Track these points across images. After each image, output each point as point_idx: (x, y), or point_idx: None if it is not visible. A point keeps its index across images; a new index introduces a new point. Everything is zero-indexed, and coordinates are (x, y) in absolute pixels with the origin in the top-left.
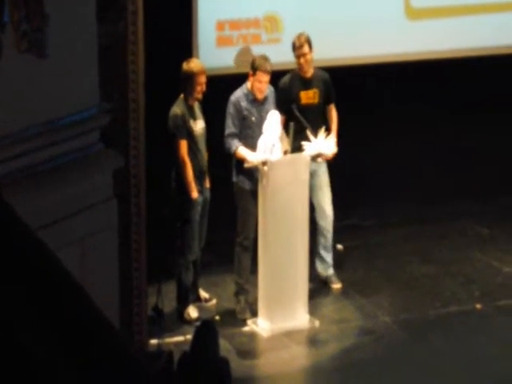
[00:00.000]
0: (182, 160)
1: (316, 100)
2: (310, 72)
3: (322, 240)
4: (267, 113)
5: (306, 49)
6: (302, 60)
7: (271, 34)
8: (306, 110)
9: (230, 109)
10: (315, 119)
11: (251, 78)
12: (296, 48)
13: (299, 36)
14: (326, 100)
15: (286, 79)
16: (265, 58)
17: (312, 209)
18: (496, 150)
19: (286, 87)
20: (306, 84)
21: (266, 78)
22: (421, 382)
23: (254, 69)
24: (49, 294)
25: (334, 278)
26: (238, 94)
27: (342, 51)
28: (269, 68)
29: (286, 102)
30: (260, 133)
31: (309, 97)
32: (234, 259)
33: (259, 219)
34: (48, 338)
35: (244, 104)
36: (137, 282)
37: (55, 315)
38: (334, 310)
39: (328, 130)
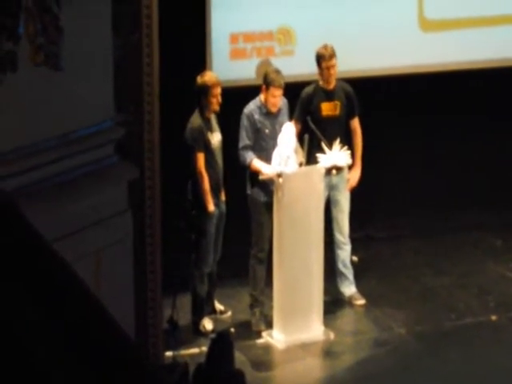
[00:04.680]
0: (199, 172)
1: (337, 112)
2: (333, 84)
3: (340, 253)
4: (281, 125)
5: (334, 60)
6: (331, 71)
7: (284, 46)
8: (326, 121)
9: (244, 121)
10: (335, 132)
11: (264, 92)
12: (325, 59)
13: (326, 47)
14: (348, 113)
15: (309, 89)
16: (277, 72)
17: (329, 220)
18: (509, 161)
19: (309, 97)
20: (328, 96)
21: (279, 92)
22: None
23: (267, 84)
24: (61, 302)
25: (357, 295)
26: (252, 107)
27: (355, 63)
28: (282, 82)
29: (305, 113)
30: (274, 145)
31: (330, 108)
32: (249, 271)
33: (274, 231)
34: (62, 348)
35: (257, 116)
36: (152, 294)
37: (67, 323)
38: (348, 321)
39: (347, 144)
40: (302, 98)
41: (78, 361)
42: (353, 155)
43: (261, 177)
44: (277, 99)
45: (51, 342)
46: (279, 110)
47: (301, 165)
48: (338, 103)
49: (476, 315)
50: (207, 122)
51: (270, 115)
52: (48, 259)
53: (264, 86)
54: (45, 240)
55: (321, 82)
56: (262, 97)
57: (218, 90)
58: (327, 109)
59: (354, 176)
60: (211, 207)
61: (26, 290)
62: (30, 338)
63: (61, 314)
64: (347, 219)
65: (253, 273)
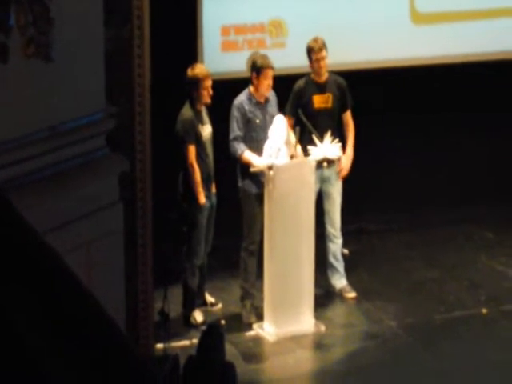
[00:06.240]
0: (190, 165)
1: (329, 104)
2: (324, 76)
3: (331, 246)
4: (271, 115)
5: (324, 52)
6: (321, 63)
7: (276, 38)
8: (318, 114)
9: (234, 112)
10: (327, 124)
11: (255, 81)
12: (315, 51)
13: (316, 39)
14: (340, 106)
15: (300, 83)
16: (264, 56)
17: (321, 213)
18: (502, 155)
19: (301, 91)
20: (320, 88)
21: (271, 73)
22: None
23: (258, 68)
24: (54, 295)
25: (348, 288)
26: (242, 98)
27: (347, 56)
28: (272, 63)
29: (298, 106)
30: (264, 135)
31: (322, 101)
32: (240, 264)
33: (265, 223)
34: (52, 337)
35: (247, 107)
36: (143, 286)
37: (60, 316)
38: (339, 314)
39: (339, 137)
40: (293, 92)
41: (68, 352)
42: (345, 146)
43: (251, 169)
44: (270, 81)
45: (42, 332)
46: (268, 101)
47: (292, 157)
48: (330, 96)
49: (466, 308)
50: (198, 114)
51: (260, 105)
52: (39, 251)
53: (254, 73)
54: (36, 232)
55: (312, 75)
56: (251, 88)
57: (209, 83)
58: (319, 101)
59: (346, 164)
60: (202, 199)
61: (17, 283)
62: (20, 327)
63: (52, 305)
64: (339, 212)
65: (244, 265)
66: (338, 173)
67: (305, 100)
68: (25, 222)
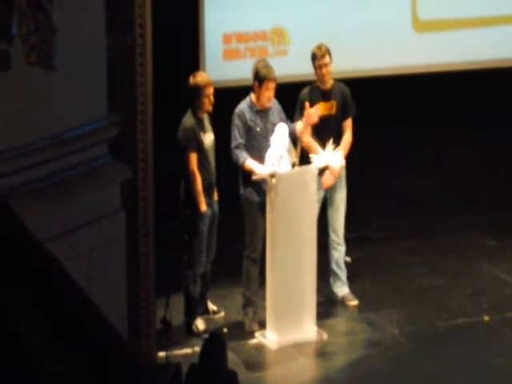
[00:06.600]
0: (192, 173)
1: (333, 112)
2: (329, 83)
3: (334, 254)
4: (272, 123)
5: (327, 59)
6: (323, 70)
7: (278, 46)
8: (323, 121)
9: (236, 120)
10: (330, 131)
11: (257, 90)
12: (318, 58)
13: (320, 46)
14: (343, 113)
15: (306, 91)
16: (268, 66)
17: (325, 220)
18: (504, 162)
19: (306, 99)
20: (325, 95)
21: (273, 85)
22: None
23: (261, 79)
24: (54, 296)
25: (350, 296)
26: (242, 106)
27: (349, 64)
28: (275, 75)
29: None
30: (266, 143)
31: (326, 108)
32: (242, 272)
33: (267, 231)
34: (51, 337)
35: (248, 115)
36: (145, 294)
37: (60, 316)
38: (341, 322)
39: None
40: (300, 99)
41: (68, 352)
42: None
43: (254, 177)
44: (272, 92)
45: (42, 332)
46: (269, 109)
47: (294, 165)
48: (334, 103)
49: (469, 316)
50: (200, 122)
51: (260, 113)
52: (41, 259)
53: (256, 83)
54: (38, 240)
55: (318, 83)
56: (252, 96)
57: (211, 90)
58: (324, 108)
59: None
60: (203, 207)
61: (17, 283)
62: (20, 327)
63: (52, 305)
64: (342, 219)
65: (246, 273)
66: (342, 181)
67: (310, 107)
68: (24, 226)
